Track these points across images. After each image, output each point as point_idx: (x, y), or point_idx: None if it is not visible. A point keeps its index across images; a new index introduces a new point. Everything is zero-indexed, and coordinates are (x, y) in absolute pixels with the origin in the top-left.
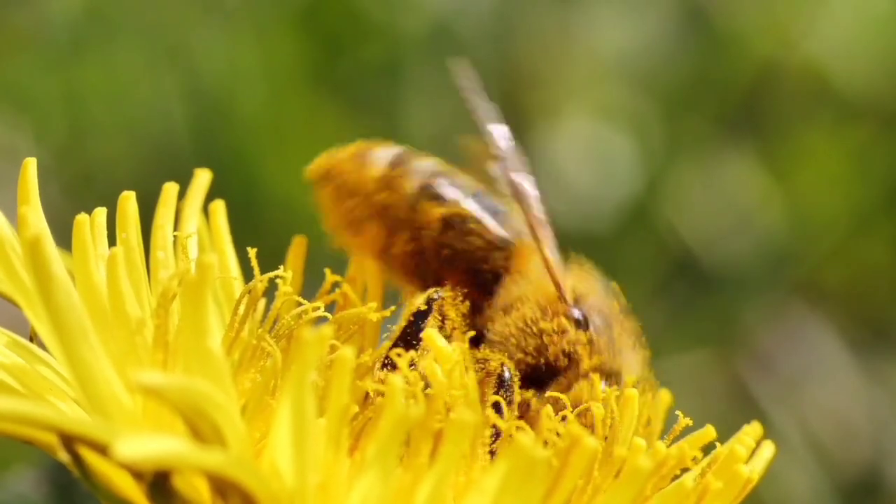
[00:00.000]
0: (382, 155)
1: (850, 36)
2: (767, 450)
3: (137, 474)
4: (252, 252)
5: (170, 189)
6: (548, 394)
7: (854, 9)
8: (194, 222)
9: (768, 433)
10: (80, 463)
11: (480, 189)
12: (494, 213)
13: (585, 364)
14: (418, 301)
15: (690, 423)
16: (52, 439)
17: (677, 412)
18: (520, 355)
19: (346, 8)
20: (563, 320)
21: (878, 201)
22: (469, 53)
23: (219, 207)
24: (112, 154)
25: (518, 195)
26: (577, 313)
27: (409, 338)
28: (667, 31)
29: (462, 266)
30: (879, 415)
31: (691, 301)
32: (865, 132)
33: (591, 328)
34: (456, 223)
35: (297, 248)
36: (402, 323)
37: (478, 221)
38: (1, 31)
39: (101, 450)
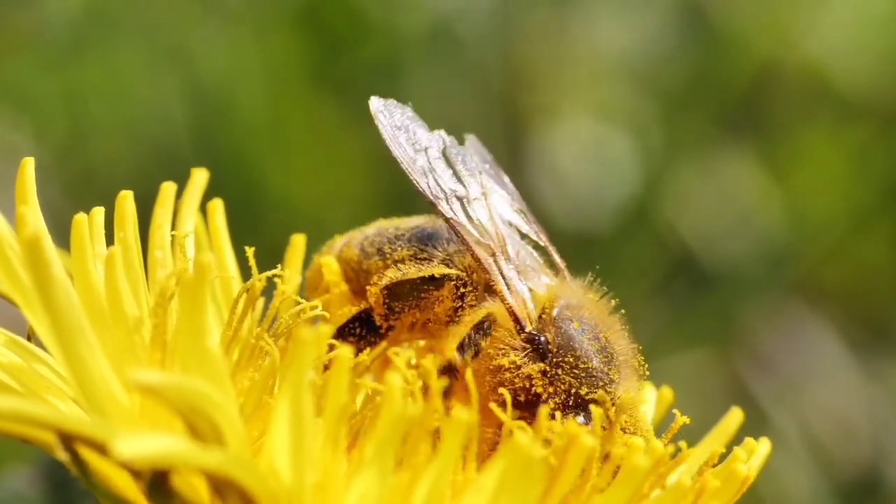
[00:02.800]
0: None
1: (850, 36)
2: (764, 447)
3: (136, 473)
4: (250, 251)
5: (168, 189)
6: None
7: (854, 9)
8: (192, 222)
9: (768, 433)
10: (79, 462)
11: (426, 227)
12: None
13: (544, 396)
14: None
15: (689, 421)
16: (50, 438)
17: (674, 411)
18: (496, 393)
19: (346, 8)
20: (515, 356)
21: (878, 201)
22: (469, 53)
23: (217, 206)
24: (112, 154)
25: (459, 236)
26: (534, 343)
27: None
28: (666, 31)
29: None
30: (879, 415)
31: (691, 301)
32: (865, 132)
33: (549, 358)
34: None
35: (295, 248)
36: None
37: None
38: (1, 31)
39: (100, 449)
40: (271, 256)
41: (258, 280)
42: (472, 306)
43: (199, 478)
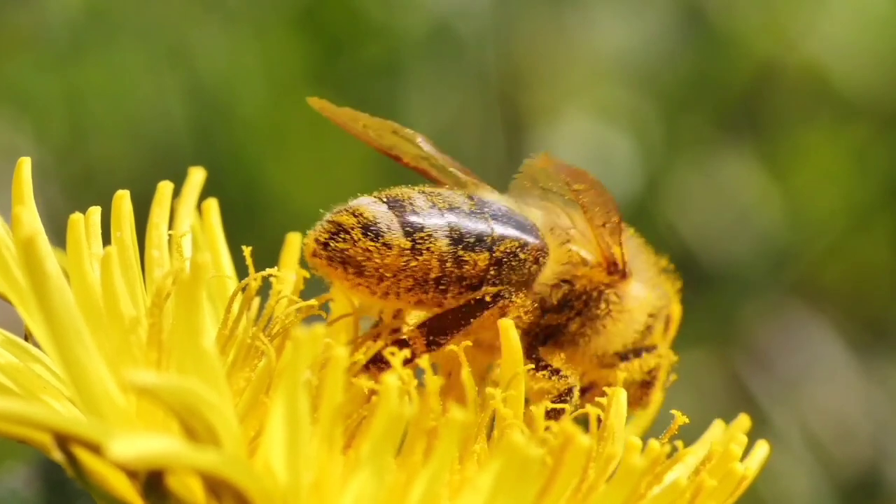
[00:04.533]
0: (387, 220)
1: (850, 36)
2: (762, 448)
3: (132, 473)
4: (247, 251)
5: (165, 188)
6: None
7: (854, 9)
8: (189, 221)
9: (768, 433)
10: (75, 462)
11: (475, 200)
12: (519, 225)
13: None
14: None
15: (688, 420)
16: (46, 438)
17: (674, 411)
18: (629, 341)
19: (346, 8)
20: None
21: (877, 200)
22: (469, 53)
23: (211, 205)
24: (112, 154)
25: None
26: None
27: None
28: (666, 31)
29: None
30: (879, 414)
31: (691, 301)
32: (864, 132)
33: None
34: (505, 259)
35: (291, 246)
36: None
37: (525, 247)
38: (1, 31)
39: (96, 449)
40: (271, 256)
41: (254, 279)
42: (519, 307)
43: (194, 478)
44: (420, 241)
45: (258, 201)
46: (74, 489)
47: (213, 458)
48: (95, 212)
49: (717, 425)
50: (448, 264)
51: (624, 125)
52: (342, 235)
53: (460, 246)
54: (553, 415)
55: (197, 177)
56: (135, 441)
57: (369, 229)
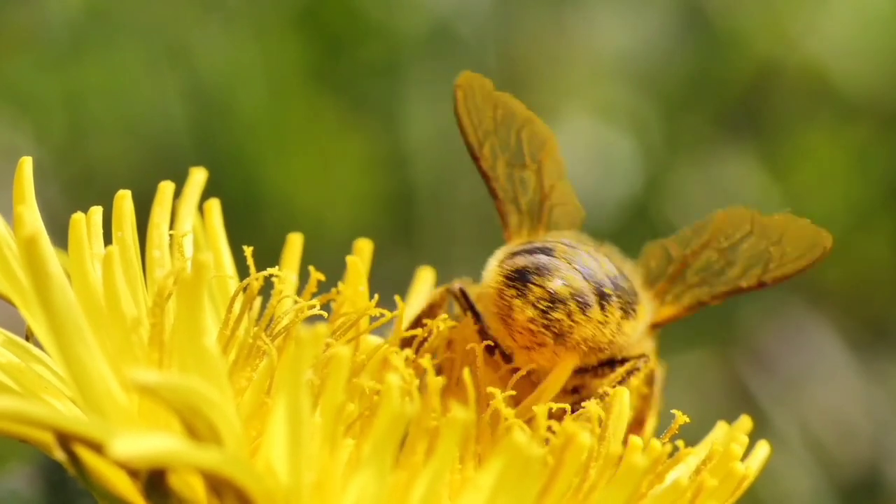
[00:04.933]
0: (589, 293)
1: (850, 36)
2: (763, 448)
3: (133, 472)
4: (248, 251)
5: (166, 188)
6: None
7: (854, 9)
8: (190, 221)
9: (768, 433)
10: (77, 461)
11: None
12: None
13: None
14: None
15: (688, 420)
16: (47, 438)
17: (674, 411)
18: None
19: (346, 8)
20: None
21: (878, 200)
22: (469, 53)
23: (213, 206)
24: (112, 154)
25: None
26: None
27: None
28: (666, 30)
29: None
30: (879, 415)
31: None
32: (865, 132)
33: None
34: (641, 326)
35: (292, 246)
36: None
37: (647, 313)
38: (1, 31)
39: (97, 448)
40: (271, 256)
41: (255, 279)
42: None
43: (196, 477)
44: (608, 313)
45: (258, 201)
46: (75, 489)
47: (215, 457)
48: (97, 211)
49: (720, 427)
50: (616, 334)
51: (624, 125)
52: (559, 306)
53: (627, 316)
54: (554, 415)
55: (198, 177)
56: (137, 440)
57: (580, 302)
